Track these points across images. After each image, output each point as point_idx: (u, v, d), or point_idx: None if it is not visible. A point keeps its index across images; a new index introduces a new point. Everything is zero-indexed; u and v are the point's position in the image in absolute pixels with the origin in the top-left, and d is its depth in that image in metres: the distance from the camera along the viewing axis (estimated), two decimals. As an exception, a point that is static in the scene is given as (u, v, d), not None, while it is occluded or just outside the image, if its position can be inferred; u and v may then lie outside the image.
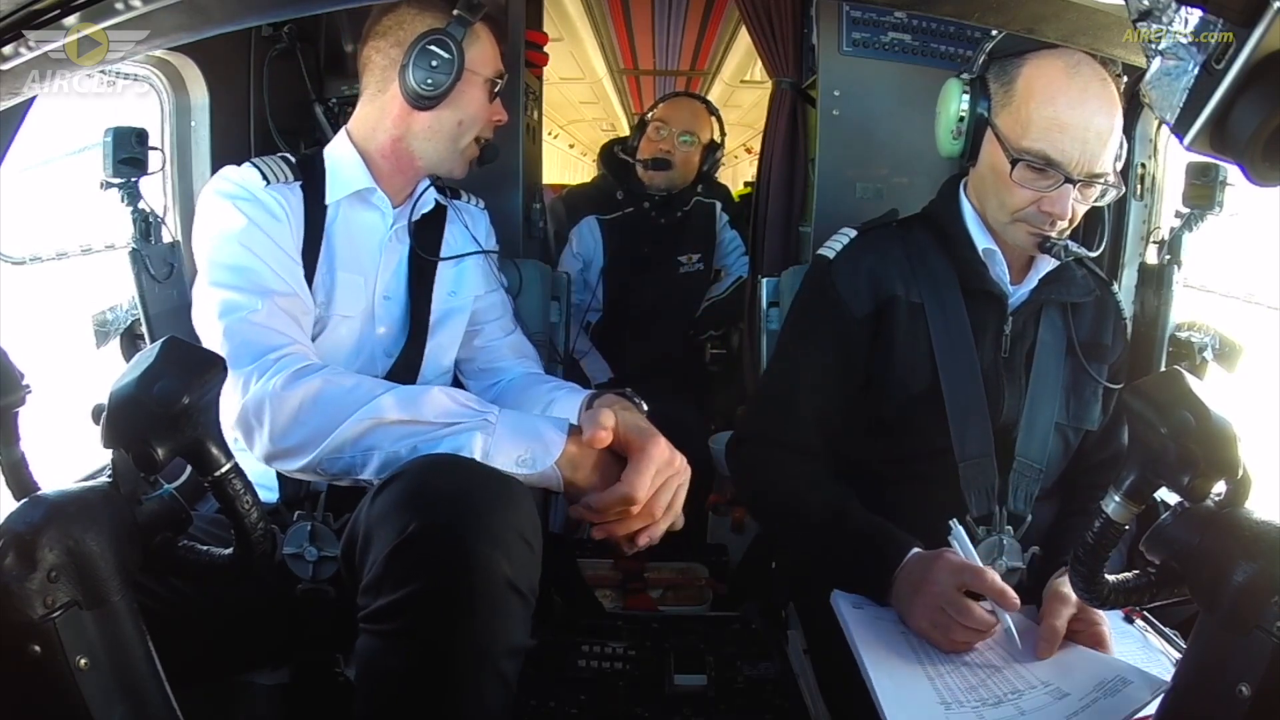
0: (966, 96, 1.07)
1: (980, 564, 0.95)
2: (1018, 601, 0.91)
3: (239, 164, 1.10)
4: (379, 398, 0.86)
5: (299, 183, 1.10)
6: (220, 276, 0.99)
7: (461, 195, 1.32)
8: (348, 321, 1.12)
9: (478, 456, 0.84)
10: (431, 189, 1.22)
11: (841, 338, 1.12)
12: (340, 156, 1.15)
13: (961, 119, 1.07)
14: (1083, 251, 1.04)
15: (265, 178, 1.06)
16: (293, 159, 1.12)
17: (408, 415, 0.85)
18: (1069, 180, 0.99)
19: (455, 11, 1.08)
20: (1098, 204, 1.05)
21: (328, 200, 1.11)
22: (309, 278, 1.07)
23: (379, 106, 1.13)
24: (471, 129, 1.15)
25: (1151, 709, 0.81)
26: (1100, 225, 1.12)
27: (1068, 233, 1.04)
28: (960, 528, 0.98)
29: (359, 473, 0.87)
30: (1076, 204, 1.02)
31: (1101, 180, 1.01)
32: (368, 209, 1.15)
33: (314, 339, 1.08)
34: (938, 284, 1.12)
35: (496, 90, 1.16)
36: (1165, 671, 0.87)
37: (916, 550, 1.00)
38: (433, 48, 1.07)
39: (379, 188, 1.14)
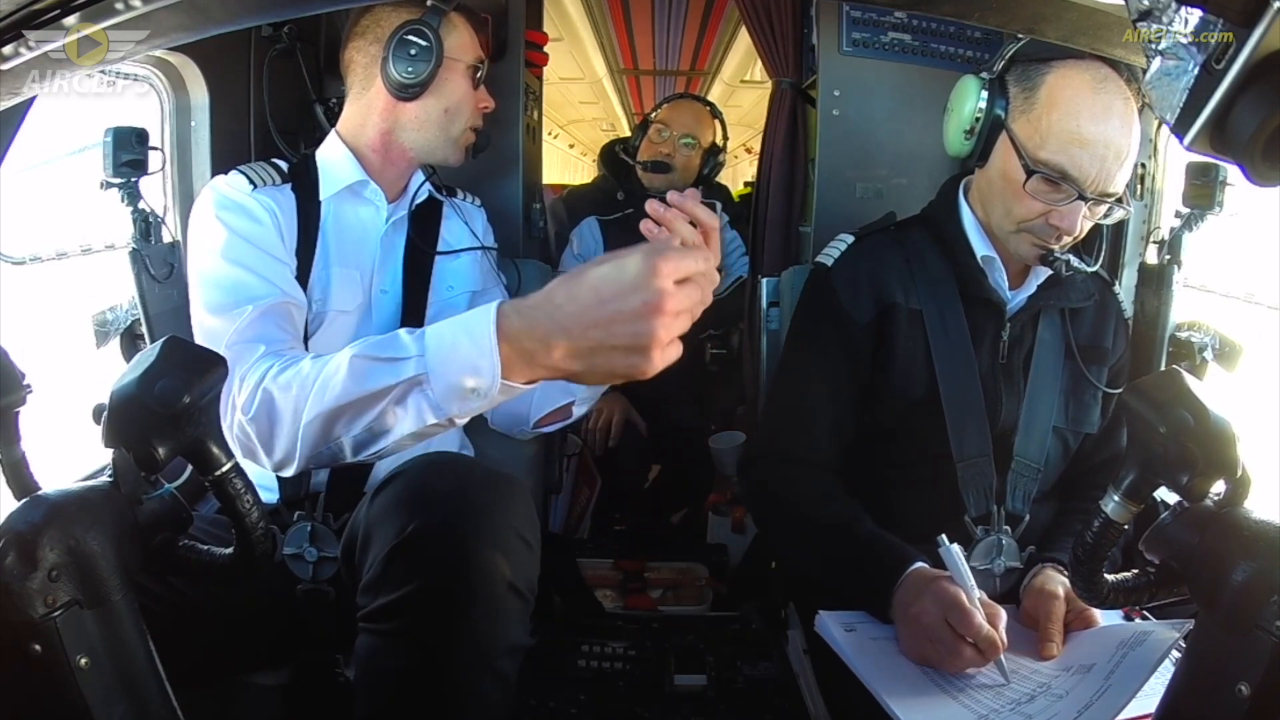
0: (985, 95, 1.04)
1: (973, 587, 0.90)
2: (1001, 647, 0.86)
3: (239, 164, 1.10)
4: (310, 393, 0.80)
5: (288, 185, 1.11)
6: (206, 297, 1.00)
7: (458, 193, 1.32)
8: (345, 317, 1.12)
9: (430, 420, 0.76)
10: (427, 183, 1.22)
11: (847, 346, 1.12)
12: (331, 155, 1.16)
13: (977, 119, 1.04)
14: (1084, 266, 1.03)
15: (252, 183, 1.07)
16: (283, 164, 1.14)
17: (342, 400, 0.77)
18: (1082, 197, 0.97)
19: (429, 2, 1.10)
20: (1103, 221, 1.04)
21: (321, 196, 1.12)
22: (305, 275, 1.07)
23: (365, 103, 1.15)
24: (459, 116, 1.16)
25: (1149, 689, 0.81)
26: (1099, 237, 1.12)
27: (1070, 246, 1.03)
28: (953, 547, 0.91)
29: (347, 458, 0.83)
30: (1084, 220, 1.00)
31: (1112, 199, 1.00)
32: (361, 204, 1.16)
33: (311, 335, 1.08)
34: (936, 290, 1.11)
35: (479, 76, 1.17)
36: (1165, 671, 0.87)
37: (919, 565, 0.96)
38: (410, 37, 1.08)
39: (371, 180, 1.15)
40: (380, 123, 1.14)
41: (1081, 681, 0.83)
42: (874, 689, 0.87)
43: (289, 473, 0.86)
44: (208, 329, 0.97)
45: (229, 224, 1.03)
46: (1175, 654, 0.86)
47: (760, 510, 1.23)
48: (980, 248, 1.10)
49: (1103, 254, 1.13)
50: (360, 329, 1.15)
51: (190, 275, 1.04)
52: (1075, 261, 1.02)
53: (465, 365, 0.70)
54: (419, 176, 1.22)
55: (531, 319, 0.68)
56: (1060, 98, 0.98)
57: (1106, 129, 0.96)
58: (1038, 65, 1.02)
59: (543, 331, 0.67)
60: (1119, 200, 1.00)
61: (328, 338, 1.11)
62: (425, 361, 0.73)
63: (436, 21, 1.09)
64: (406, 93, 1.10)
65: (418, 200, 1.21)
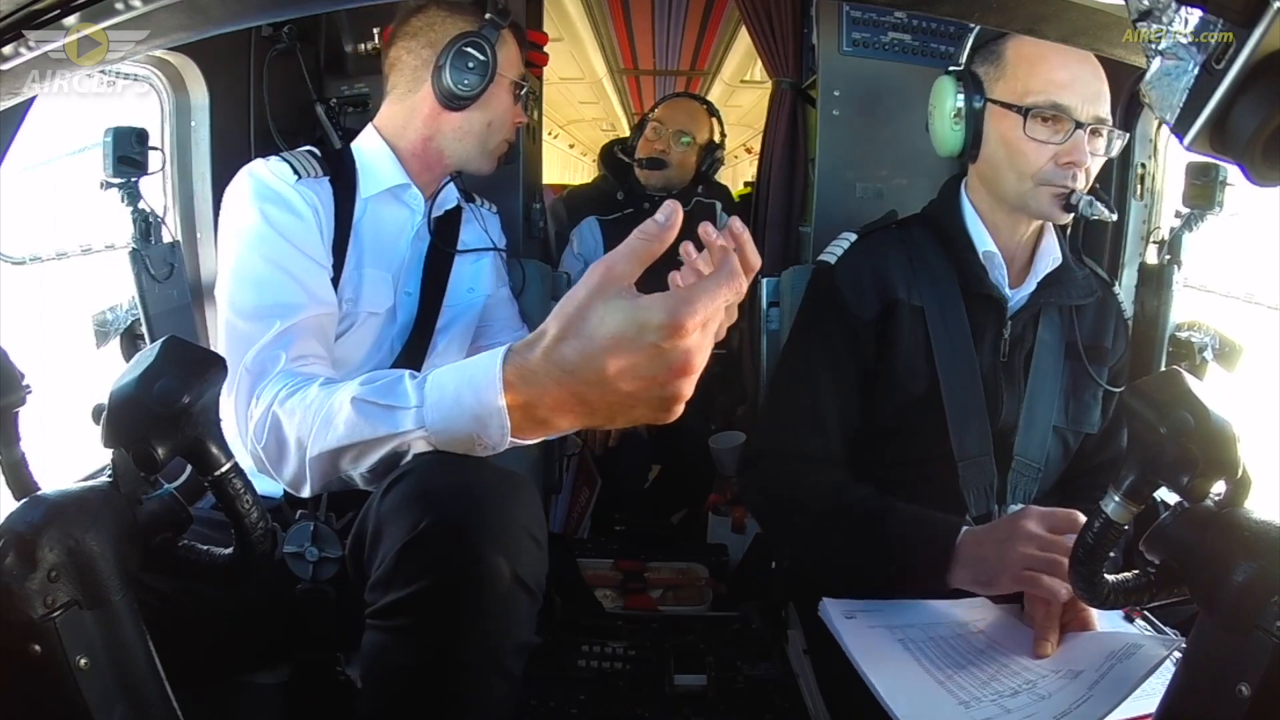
0: (960, 85, 1.09)
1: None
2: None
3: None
4: (314, 427, 0.79)
5: (328, 177, 1.10)
6: (239, 296, 0.98)
7: (475, 198, 1.33)
8: (374, 318, 1.13)
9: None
10: (452, 185, 1.24)
11: (852, 342, 1.12)
12: (372, 152, 1.15)
13: (959, 110, 1.09)
14: (1104, 211, 1.03)
15: (296, 172, 1.06)
16: (319, 153, 1.12)
17: (344, 442, 0.76)
18: (1079, 125, 1.02)
19: (487, 15, 1.11)
20: (1107, 156, 1.07)
21: (362, 195, 1.12)
22: (337, 274, 1.07)
23: (409, 106, 1.15)
24: (500, 130, 1.17)
25: (1150, 689, 0.81)
26: (1102, 240, 1.12)
27: (1085, 191, 1.05)
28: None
29: (359, 486, 0.85)
30: (1090, 154, 1.04)
31: (1106, 126, 1.04)
32: (398, 205, 1.17)
33: (341, 335, 1.08)
34: (938, 287, 1.12)
35: (523, 92, 1.19)
36: (1165, 671, 0.87)
37: (968, 526, 0.98)
38: (469, 49, 1.09)
39: (413, 184, 1.16)
40: (423, 128, 1.14)
41: (1066, 686, 0.84)
42: (862, 669, 0.88)
43: (304, 494, 0.84)
44: (238, 332, 0.96)
45: (270, 216, 1.01)
46: (1170, 664, 0.87)
47: (767, 507, 1.21)
48: (982, 243, 1.11)
49: (1104, 254, 1.14)
50: (385, 329, 1.16)
51: (221, 264, 1.03)
52: (1098, 205, 1.03)
53: (470, 420, 0.67)
54: (448, 181, 1.23)
55: (541, 385, 0.62)
56: (1026, 53, 1.06)
57: (1075, 63, 1.03)
58: (995, 41, 1.09)
59: (554, 400, 0.62)
60: (1113, 129, 1.05)
61: (357, 339, 1.11)
62: (424, 414, 0.71)
63: (494, 36, 1.10)
64: (455, 103, 1.11)
65: (447, 206, 1.23)
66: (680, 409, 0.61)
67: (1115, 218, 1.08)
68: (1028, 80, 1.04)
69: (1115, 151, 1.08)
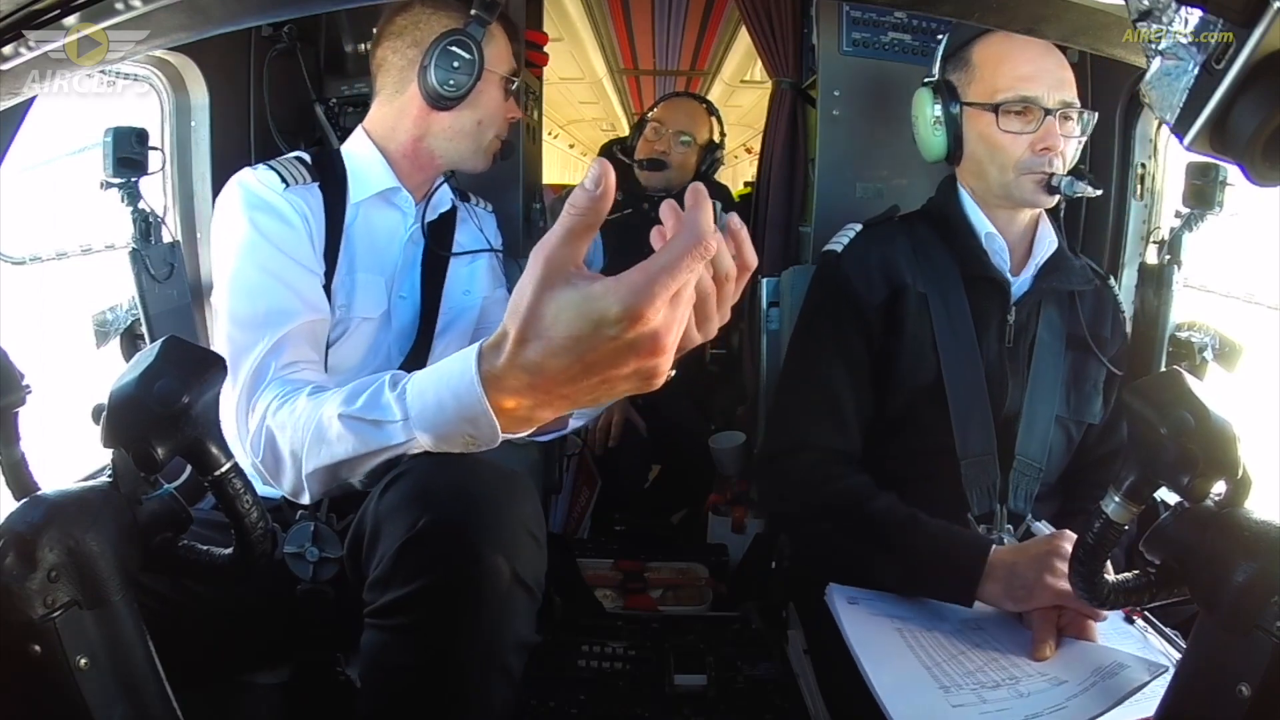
0: (936, 95, 1.14)
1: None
2: None
3: (239, 164, 1.10)
4: (306, 443, 0.79)
5: (317, 183, 1.09)
6: (234, 306, 0.98)
7: (470, 197, 1.32)
8: (368, 323, 1.12)
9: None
10: (446, 187, 1.22)
11: (863, 329, 1.13)
12: (362, 155, 1.14)
13: (938, 117, 1.14)
14: (1086, 188, 1.06)
15: (284, 180, 1.05)
16: (308, 159, 1.12)
17: (339, 458, 0.76)
18: (1048, 112, 1.07)
19: (473, 11, 1.08)
20: (1083, 136, 1.11)
21: (353, 200, 1.11)
22: (329, 280, 1.06)
23: (397, 107, 1.13)
24: (491, 128, 1.16)
25: (1150, 690, 0.82)
26: (1102, 241, 1.12)
27: (1065, 172, 1.09)
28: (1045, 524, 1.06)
29: (359, 489, 0.83)
30: (1064, 137, 1.08)
31: (1075, 109, 1.08)
32: (389, 209, 1.15)
33: (334, 342, 1.08)
34: (941, 276, 1.13)
35: (513, 88, 1.17)
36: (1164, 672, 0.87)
37: (995, 546, 0.98)
38: (454, 48, 1.07)
39: (403, 188, 1.15)
40: (412, 129, 1.13)
41: (1046, 691, 0.85)
42: (852, 646, 0.90)
43: (304, 501, 0.84)
44: (235, 342, 0.96)
45: (260, 225, 1.01)
46: (1153, 685, 0.86)
47: (786, 510, 1.20)
48: (982, 226, 1.14)
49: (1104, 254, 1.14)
50: (380, 334, 1.14)
51: (216, 275, 1.03)
52: (1079, 183, 1.06)
53: (459, 423, 0.64)
54: (441, 181, 1.22)
55: (515, 389, 0.58)
56: (991, 54, 1.11)
57: (1037, 54, 1.08)
58: (963, 47, 1.15)
59: (532, 400, 0.59)
60: (1082, 110, 1.09)
61: (351, 345, 1.10)
62: (412, 426, 0.69)
63: (480, 34, 1.08)
64: (443, 103, 1.09)
65: (439, 208, 1.21)
66: (662, 379, 0.57)
67: (1099, 193, 1.10)
68: (995, 79, 1.09)
69: (1089, 131, 1.12)
